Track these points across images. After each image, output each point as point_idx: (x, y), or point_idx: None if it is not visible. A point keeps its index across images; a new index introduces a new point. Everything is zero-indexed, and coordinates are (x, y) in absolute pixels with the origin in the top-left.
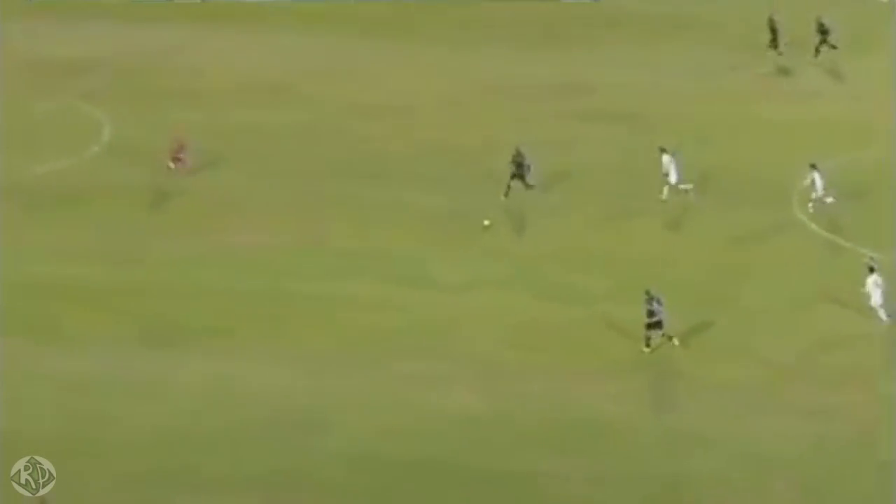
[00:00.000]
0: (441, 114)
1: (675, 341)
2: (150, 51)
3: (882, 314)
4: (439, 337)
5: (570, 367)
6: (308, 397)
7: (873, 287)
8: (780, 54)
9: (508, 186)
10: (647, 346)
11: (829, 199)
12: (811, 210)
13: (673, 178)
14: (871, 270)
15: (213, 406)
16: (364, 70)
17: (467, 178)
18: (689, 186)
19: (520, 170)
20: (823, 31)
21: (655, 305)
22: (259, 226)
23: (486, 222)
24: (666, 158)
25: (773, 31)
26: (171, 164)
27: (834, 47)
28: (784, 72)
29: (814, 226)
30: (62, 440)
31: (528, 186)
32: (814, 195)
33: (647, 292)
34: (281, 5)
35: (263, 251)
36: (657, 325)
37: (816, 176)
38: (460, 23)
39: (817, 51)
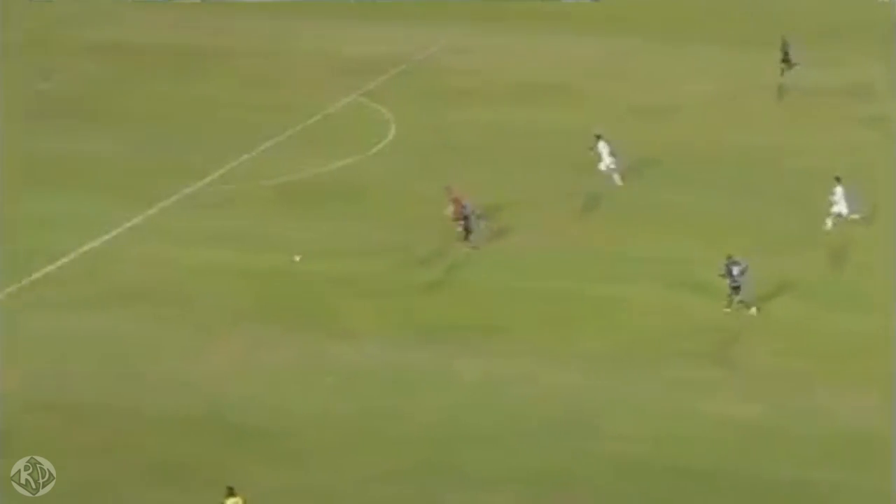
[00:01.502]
0: (715, 115)
1: (753, 311)
2: (436, 50)
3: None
4: (713, 343)
5: (846, 378)
6: (580, 398)
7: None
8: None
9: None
10: (728, 307)
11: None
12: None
13: (605, 164)
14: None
15: (485, 403)
16: (639, 70)
17: (745, 181)
18: (614, 171)
19: None
20: (785, 49)
21: (734, 270)
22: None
23: (297, 258)
24: (601, 144)
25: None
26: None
27: (794, 64)
28: None
29: None
30: (336, 431)
31: None
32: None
33: (728, 257)
34: (559, 6)
35: (540, 251)
36: (735, 289)
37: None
38: (733, 21)
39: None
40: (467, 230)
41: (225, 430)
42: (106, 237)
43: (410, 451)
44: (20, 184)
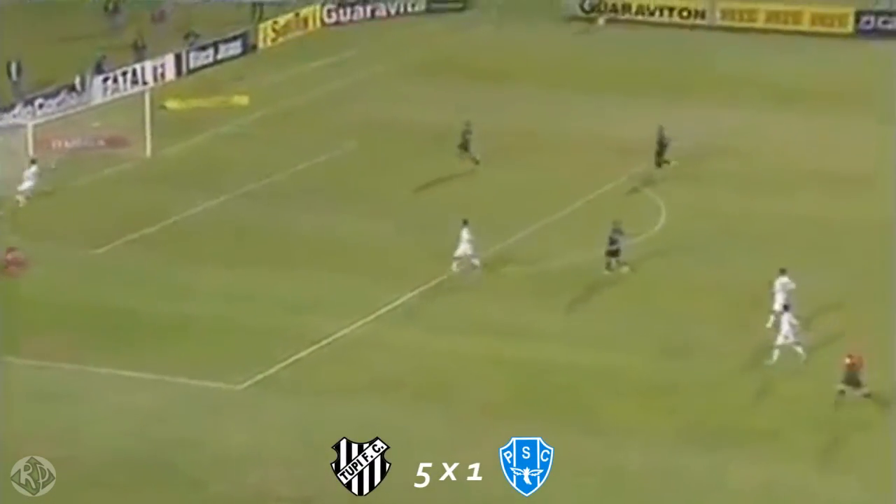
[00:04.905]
0: None
1: (626, 269)
2: (711, 132)
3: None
4: None
5: None
6: None
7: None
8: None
9: None
10: (607, 268)
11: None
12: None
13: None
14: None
15: None
16: None
17: None
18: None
19: None
20: (662, 143)
21: (618, 236)
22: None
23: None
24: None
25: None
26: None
27: (667, 162)
28: None
29: None
30: None
31: None
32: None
33: (615, 222)
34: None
35: (831, 351)
36: (615, 252)
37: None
38: None
39: (658, 164)
40: None
41: None
42: (362, 322)
43: None
44: (277, 263)
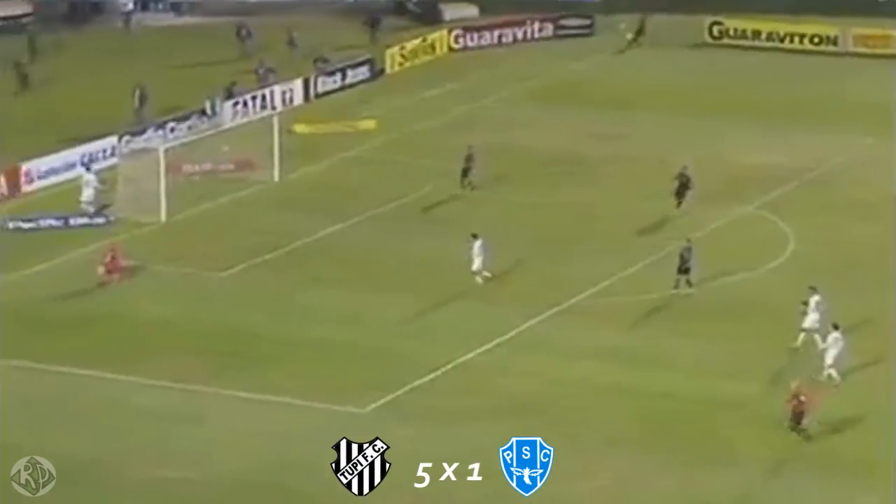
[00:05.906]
0: None
1: (692, 289)
2: (846, 160)
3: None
4: None
5: None
6: None
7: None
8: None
9: None
10: (675, 287)
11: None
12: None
13: (476, 265)
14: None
15: None
16: None
17: None
18: (487, 274)
19: None
20: (684, 181)
21: (689, 255)
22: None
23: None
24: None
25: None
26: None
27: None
28: None
29: None
30: None
31: None
32: None
33: (688, 239)
34: None
35: None
36: (686, 270)
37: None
38: None
39: (678, 204)
40: None
41: None
42: (486, 347)
43: None
44: (401, 288)
